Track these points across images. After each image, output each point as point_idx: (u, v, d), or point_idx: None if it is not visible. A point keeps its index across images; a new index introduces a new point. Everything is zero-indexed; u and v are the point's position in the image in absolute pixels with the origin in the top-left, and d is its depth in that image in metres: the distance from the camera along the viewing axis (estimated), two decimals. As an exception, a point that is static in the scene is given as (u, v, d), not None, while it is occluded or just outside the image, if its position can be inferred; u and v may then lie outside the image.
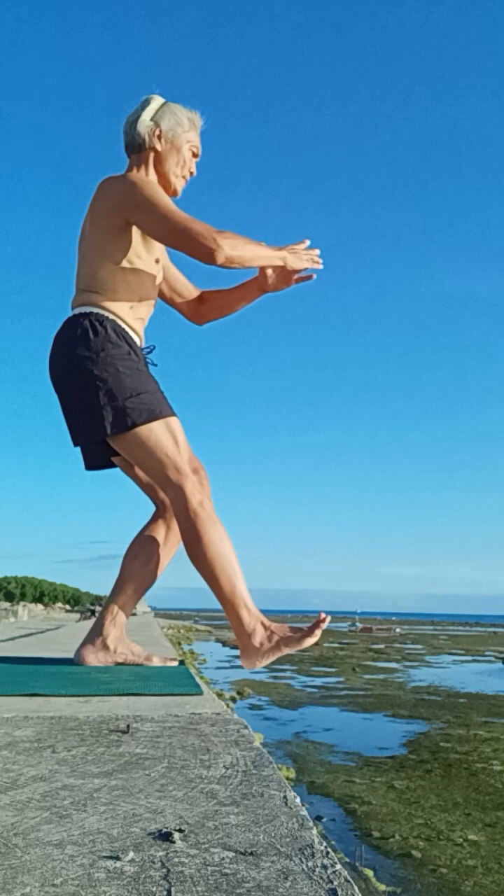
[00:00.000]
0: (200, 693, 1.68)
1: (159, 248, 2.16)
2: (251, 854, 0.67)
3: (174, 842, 0.70)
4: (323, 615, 1.98)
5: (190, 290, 2.37)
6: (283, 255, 2.13)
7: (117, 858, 0.65)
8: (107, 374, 1.96)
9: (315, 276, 2.24)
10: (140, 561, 2.16)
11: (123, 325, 2.06)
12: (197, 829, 0.74)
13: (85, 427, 2.02)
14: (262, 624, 1.94)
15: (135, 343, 2.07)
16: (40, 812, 0.79)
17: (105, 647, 2.11)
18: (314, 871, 0.65)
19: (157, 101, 2.17)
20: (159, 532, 2.18)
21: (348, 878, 0.63)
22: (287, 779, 1.61)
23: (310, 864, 0.66)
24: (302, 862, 0.66)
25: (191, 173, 2.20)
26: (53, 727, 1.25)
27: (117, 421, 1.96)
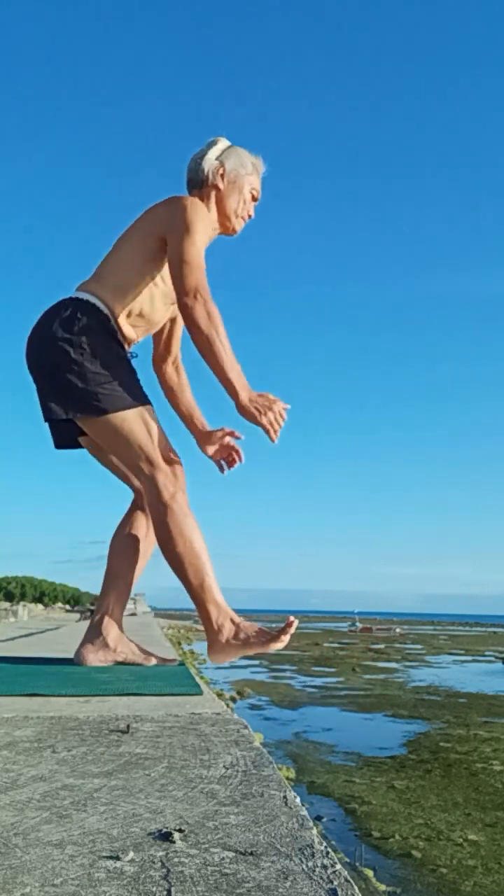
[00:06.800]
0: (200, 693, 1.68)
1: None
2: (251, 854, 0.67)
3: (174, 842, 0.70)
4: (291, 618, 1.96)
5: (174, 352, 2.37)
6: (245, 395, 1.92)
7: (117, 858, 0.65)
8: (82, 359, 1.94)
9: (225, 472, 2.30)
10: (124, 557, 2.16)
11: (113, 323, 2.04)
12: (197, 829, 0.74)
13: (56, 405, 1.99)
14: (231, 620, 1.95)
15: (118, 337, 2.05)
16: (40, 812, 0.79)
17: (105, 646, 2.11)
18: (314, 871, 0.64)
19: (223, 142, 2.24)
20: (139, 523, 2.19)
21: (348, 878, 0.63)
22: (287, 779, 1.61)
23: (310, 864, 0.66)
24: (302, 862, 0.66)
25: (249, 216, 2.23)
26: (53, 727, 1.25)
27: (88, 405, 1.95)
